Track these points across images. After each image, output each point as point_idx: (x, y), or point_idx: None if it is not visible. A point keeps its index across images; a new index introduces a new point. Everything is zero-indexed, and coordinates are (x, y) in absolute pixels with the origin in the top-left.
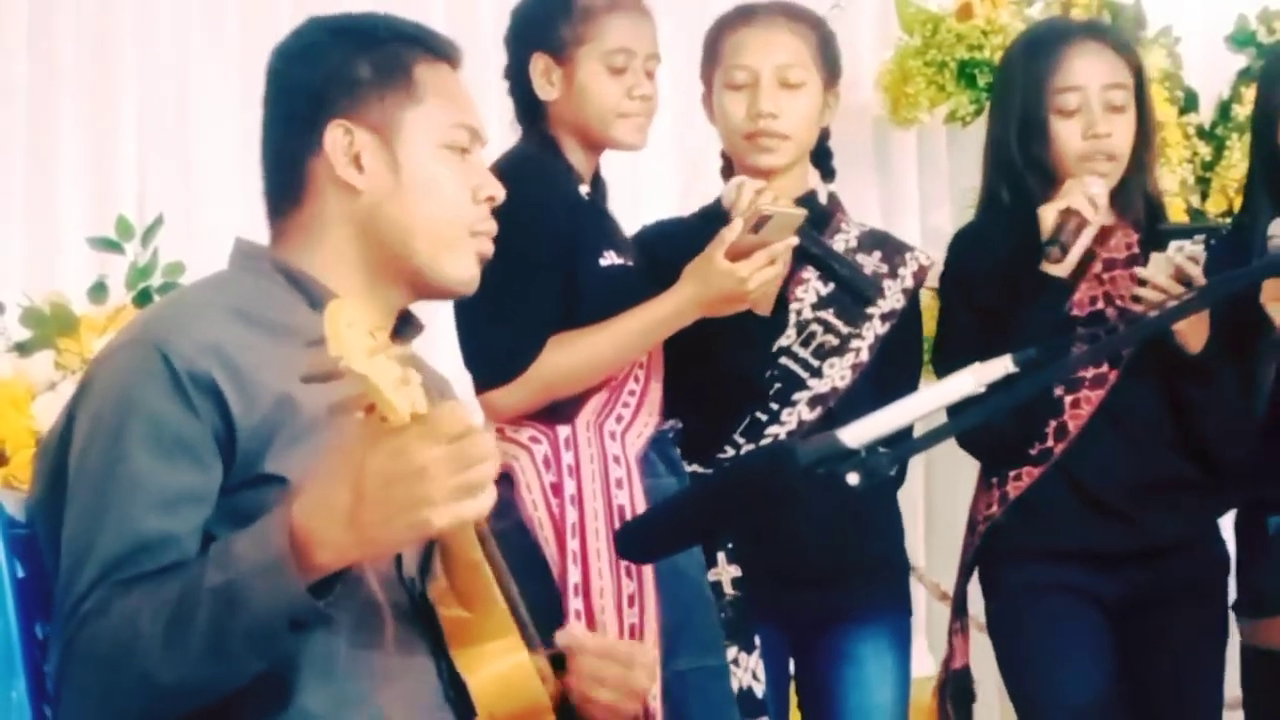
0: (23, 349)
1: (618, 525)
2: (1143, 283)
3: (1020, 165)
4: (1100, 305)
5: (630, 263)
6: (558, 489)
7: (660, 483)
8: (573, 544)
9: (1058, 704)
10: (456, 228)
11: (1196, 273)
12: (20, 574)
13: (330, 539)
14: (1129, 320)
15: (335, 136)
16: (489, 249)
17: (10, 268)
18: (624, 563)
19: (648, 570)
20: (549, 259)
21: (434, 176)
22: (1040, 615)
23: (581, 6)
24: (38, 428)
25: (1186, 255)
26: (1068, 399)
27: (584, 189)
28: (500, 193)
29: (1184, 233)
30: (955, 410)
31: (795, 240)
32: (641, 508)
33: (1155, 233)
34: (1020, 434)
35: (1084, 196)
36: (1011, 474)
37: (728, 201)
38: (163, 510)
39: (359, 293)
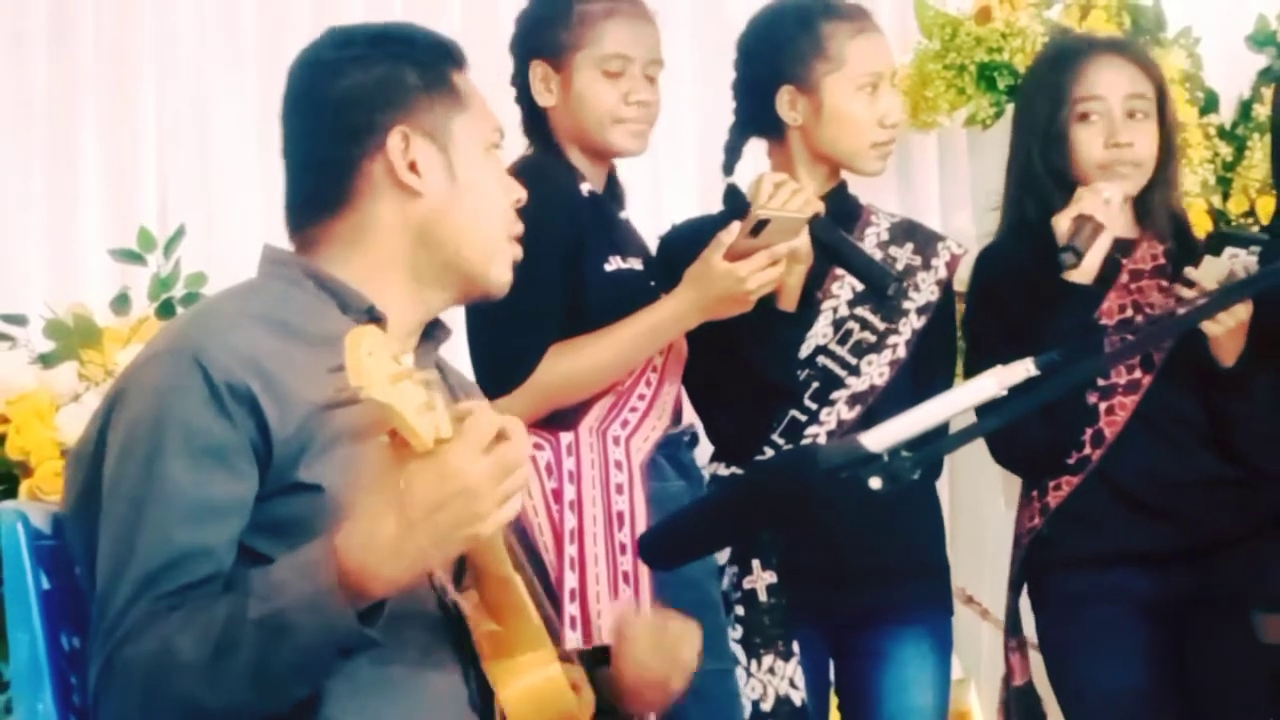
0: (46, 361)
1: (617, 530)
2: (1189, 284)
3: (1042, 177)
4: (1129, 313)
5: (639, 267)
6: (558, 495)
7: (666, 487)
8: (570, 549)
9: (1109, 716)
10: (502, 232)
11: None
12: (46, 586)
13: (381, 572)
14: (1151, 321)
15: (395, 142)
16: (520, 252)
17: (33, 280)
18: (622, 568)
19: (644, 576)
20: (548, 266)
21: (484, 181)
22: (1088, 627)
23: (579, 12)
24: (61, 439)
25: (1241, 264)
26: (1102, 406)
27: (586, 187)
28: (522, 194)
29: (1242, 240)
30: (980, 412)
31: (796, 242)
32: (642, 513)
33: (1216, 235)
34: (1051, 441)
35: (1097, 201)
36: (1051, 484)
37: (750, 195)
38: (199, 522)
39: (401, 297)
